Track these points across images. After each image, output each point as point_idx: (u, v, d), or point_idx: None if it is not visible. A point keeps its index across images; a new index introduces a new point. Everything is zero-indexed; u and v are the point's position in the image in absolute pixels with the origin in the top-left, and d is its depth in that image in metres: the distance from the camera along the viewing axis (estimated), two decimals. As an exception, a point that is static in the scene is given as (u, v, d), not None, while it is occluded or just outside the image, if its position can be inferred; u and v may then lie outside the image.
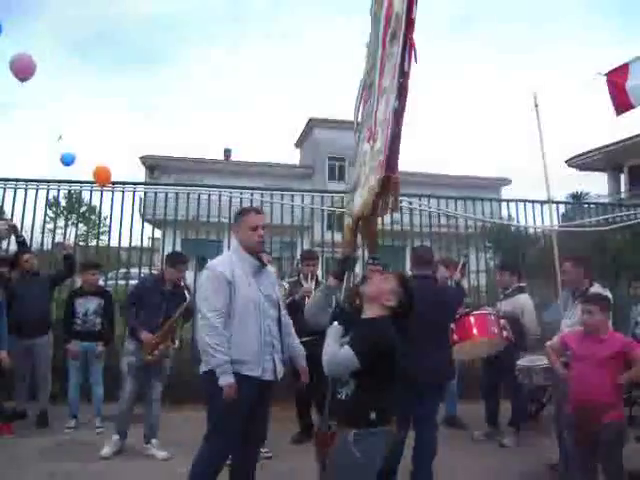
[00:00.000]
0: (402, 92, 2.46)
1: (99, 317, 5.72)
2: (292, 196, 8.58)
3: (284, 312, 3.71)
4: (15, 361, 5.76)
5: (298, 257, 8.85)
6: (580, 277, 4.73)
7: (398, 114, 2.47)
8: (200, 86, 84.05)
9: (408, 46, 2.43)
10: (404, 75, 2.46)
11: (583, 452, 3.67)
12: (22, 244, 6.04)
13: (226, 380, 3.24)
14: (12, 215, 7.45)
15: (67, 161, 6.57)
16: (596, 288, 4.64)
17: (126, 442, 4.99)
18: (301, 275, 5.70)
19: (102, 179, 6.51)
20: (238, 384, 3.26)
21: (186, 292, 5.10)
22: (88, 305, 5.67)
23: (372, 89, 3.06)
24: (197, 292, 3.50)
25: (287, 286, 5.65)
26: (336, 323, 2.76)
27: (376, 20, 3.09)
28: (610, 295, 4.40)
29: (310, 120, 31.87)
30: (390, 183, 2.51)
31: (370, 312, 2.79)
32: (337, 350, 2.63)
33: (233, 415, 3.31)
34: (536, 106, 6.97)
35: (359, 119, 3.43)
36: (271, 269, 3.77)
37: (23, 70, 5.51)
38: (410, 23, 2.43)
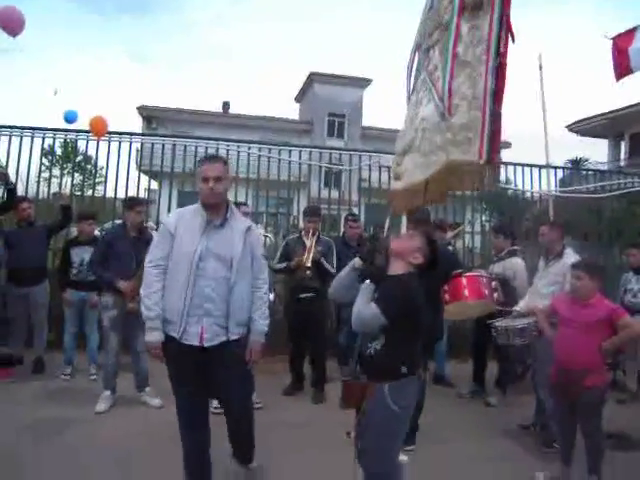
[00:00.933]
0: (500, 73, 2.47)
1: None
2: (290, 151, 8.52)
3: (247, 275, 3.27)
4: (12, 309, 5.86)
5: (294, 213, 8.88)
6: (553, 240, 4.78)
7: (498, 94, 2.48)
8: (200, 35, 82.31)
9: (505, 25, 2.44)
10: (501, 55, 2.47)
11: (563, 412, 3.79)
12: (11, 192, 5.95)
13: (149, 337, 3.14)
14: (7, 163, 7.41)
15: (69, 118, 6.41)
16: (568, 252, 4.70)
17: (118, 394, 5.04)
18: (302, 232, 5.67)
19: (98, 131, 6.43)
20: (165, 343, 3.13)
21: (153, 233, 5.01)
22: (84, 255, 5.68)
23: (432, 53, 3.05)
24: None
25: (284, 243, 5.67)
26: (368, 281, 2.80)
27: None
28: (574, 260, 4.45)
29: (311, 74, 31.27)
30: (491, 165, 2.55)
31: (396, 268, 2.86)
32: (364, 308, 2.69)
33: (170, 373, 3.25)
34: (540, 68, 6.90)
35: (411, 85, 3.40)
36: (241, 224, 3.32)
37: (11, 25, 5.33)
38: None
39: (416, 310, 2.74)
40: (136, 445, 3.71)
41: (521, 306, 4.79)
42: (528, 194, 9.44)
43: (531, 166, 8.34)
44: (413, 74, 3.40)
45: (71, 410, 4.73)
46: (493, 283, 5.13)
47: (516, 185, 8.71)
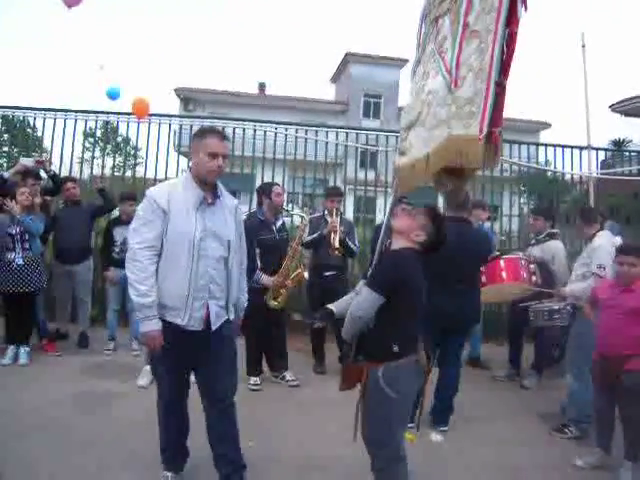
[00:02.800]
0: (509, 43, 2.35)
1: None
2: (326, 132, 8.53)
3: (238, 254, 3.15)
4: (57, 286, 6.08)
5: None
6: (580, 227, 4.69)
7: (505, 66, 2.37)
8: (236, 16, 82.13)
9: None
10: (511, 23, 2.33)
11: (601, 399, 3.75)
12: (53, 177, 6.17)
13: (145, 326, 2.84)
14: (52, 145, 7.63)
15: (113, 95, 6.57)
16: (601, 234, 4.49)
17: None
18: (325, 211, 5.78)
19: (141, 112, 6.55)
20: (165, 331, 2.85)
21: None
22: (126, 234, 5.80)
23: (441, 23, 2.90)
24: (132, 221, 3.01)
25: (307, 220, 5.60)
26: (363, 281, 2.82)
27: None
28: (604, 241, 4.36)
29: (346, 55, 31.03)
30: (493, 139, 2.41)
31: (397, 246, 2.83)
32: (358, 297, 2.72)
33: (163, 362, 2.99)
34: (583, 46, 6.72)
35: (417, 56, 3.24)
36: (230, 202, 3.14)
37: None
38: None
39: (405, 284, 2.66)
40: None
41: (567, 288, 4.67)
42: (568, 176, 9.25)
43: (572, 147, 8.15)
44: (420, 45, 3.23)
45: (114, 384, 4.90)
46: (531, 266, 5.07)
47: (555, 167, 8.53)
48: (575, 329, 4.32)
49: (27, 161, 5.87)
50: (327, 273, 5.68)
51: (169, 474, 3.19)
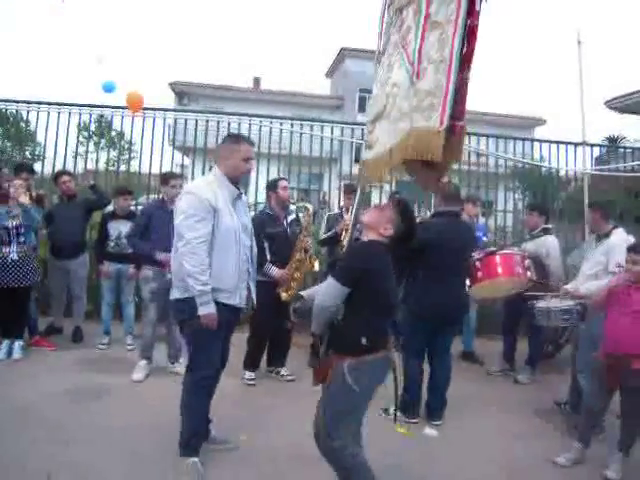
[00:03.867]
0: (471, 34, 2.31)
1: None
2: (322, 127, 8.53)
3: (253, 241, 3.68)
4: (52, 280, 6.07)
5: (324, 189, 8.93)
6: (595, 221, 4.72)
7: (466, 59, 2.33)
8: (233, 10, 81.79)
9: None
10: (472, 14, 2.28)
11: (600, 396, 3.76)
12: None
13: (206, 309, 3.22)
14: (45, 139, 7.59)
15: (108, 88, 6.58)
16: (618, 231, 4.59)
17: (153, 364, 5.19)
18: (343, 209, 5.88)
19: (135, 106, 6.53)
20: (217, 311, 3.26)
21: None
22: (121, 228, 5.83)
23: (405, 14, 2.84)
24: (178, 216, 3.31)
25: (325, 219, 5.82)
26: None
27: None
28: (621, 239, 4.39)
29: (342, 50, 30.95)
30: (456, 132, 2.40)
31: (365, 239, 2.86)
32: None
33: (212, 341, 3.34)
34: (579, 42, 6.74)
35: (381, 45, 3.20)
36: (244, 197, 3.69)
37: None
38: None
39: (368, 274, 2.66)
40: (170, 411, 3.82)
41: (571, 286, 4.67)
42: (562, 172, 9.28)
43: (567, 143, 8.16)
44: (384, 34, 3.18)
45: (109, 378, 4.89)
46: (526, 261, 5.09)
47: (550, 163, 8.55)
48: (589, 330, 4.25)
49: None
50: None
51: (196, 460, 3.31)
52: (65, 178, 6.02)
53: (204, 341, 3.34)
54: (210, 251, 3.25)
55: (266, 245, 4.92)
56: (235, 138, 3.62)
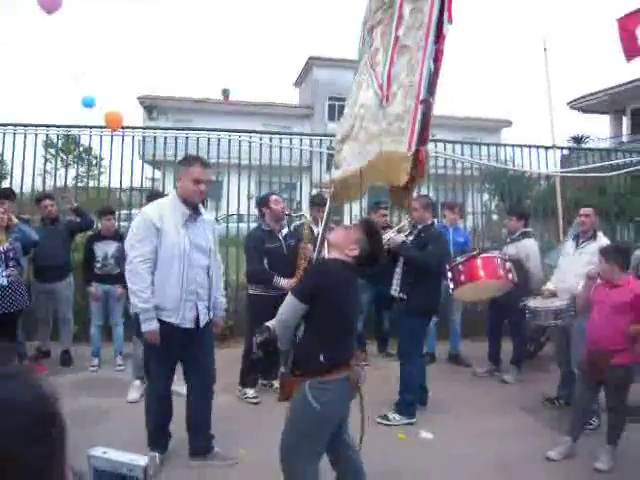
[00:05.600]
0: (438, 57, 2.32)
1: (117, 260, 5.80)
2: (290, 139, 8.62)
3: (216, 262, 3.76)
4: (38, 304, 6.01)
5: (297, 198, 8.99)
6: (594, 224, 4.99)
7: (433, 82, 2.34)
8: (197, 22, 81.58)
9: (446, 7, 2.26)
10: (439, 39, 2.30)
11: (584, 391, 3.96)
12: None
13: (147, 326, 3.39)
14: (12, 159, 7.51)
15: (88, 103, 6.61)
16: (600, 234, 4.90)
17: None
18: (311, 219, 5.73)
19: (114, 124, 6.56)
20: (160, 329, 3.41)
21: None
22: (107, 249, 5.82)
23: (375, 34, 2.86)
24: (127, 236, 3.57)
25: (311, 219, 5.69)
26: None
27: None
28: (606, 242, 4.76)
29: (310, 59, 31.10)
30: (420, 157, 2.39)
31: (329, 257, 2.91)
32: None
33: (157, 356, 3.53)
34: (545, 50, 6.98)
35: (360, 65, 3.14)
36: (207, 217, 3.76)
37: (50, 2, 5.26)
38: None
39: (326, 292, 2.66)
40: (172, 429, 3.87)
41: (551, 285, 4.95)
42: (529, 173, 9.51)
43: (537, 147, 8.38)
44: (358, 51, 3.18)
45: (104, 400, 4.88)
46: (507, 264, 5.26)
47: (523, 164, 8.76)
48: (580, 326, 4.36)
49: None
50: None
51: (156, 454, 3.58)
52: (47, 202, 5.98)
53: (152, 356, 3.57)
54: (154, 270, 3.42)
55: (265, 260, 4.97)
56: (187, 160, 3.71)
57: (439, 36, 2.31)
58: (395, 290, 4.75)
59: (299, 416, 2.71)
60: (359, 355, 2.86)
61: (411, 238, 4.85)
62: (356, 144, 2.90)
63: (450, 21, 2.27)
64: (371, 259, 2.83)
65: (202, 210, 3.69)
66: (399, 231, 5.09)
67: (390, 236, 4.81)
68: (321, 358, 2.64)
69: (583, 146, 19.39)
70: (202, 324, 3.58)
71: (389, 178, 2.53)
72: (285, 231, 5.30)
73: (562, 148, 8.60)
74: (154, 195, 5.39)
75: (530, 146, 8.43)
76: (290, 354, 2.79)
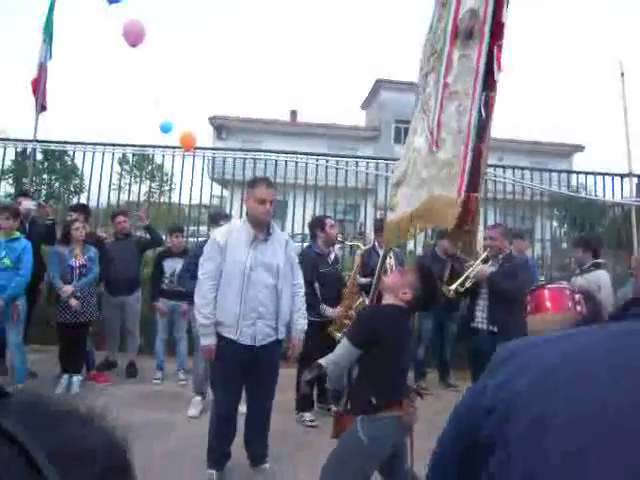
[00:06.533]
0: (488, 106, 2.28)
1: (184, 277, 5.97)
2: (357, 162, 8.66)
3: (291, 282, 3.78)
4: (107, 316, 6.26)
5: (361, 220, 9.03)
6: None
7: (483, 131, 2.31)
8: (269, 43, 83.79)
9: (495, 56, 2.20)
10: (491, 87, 2.26)
11: None
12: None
13: (204, 341, 3.56)
14: (91, 175, 7.99)
15: (165, 129, 7.00)
16: None
17: (208, 398, 5.25)
18: (376, 244, 5.81)
19: (188, 145, 6.84)
20: (219, 344, 3.53)
21: None
22: (175, 266, 5.99)
23: (429, 80, 2.84)
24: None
25: (363, 250, 5.68)
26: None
27: (444, 6, 2.75)
28: None
29: (377, 81, 31.32)
30: (471, 203, 2.33)
31: (384, 301, 2.91)
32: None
33: (221, 373, 3.63)
34: (622, 74, 6.77)
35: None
36: (281, 237, 3.81)
37: (135, 36, 5.67)
38: (498, 28, 2.18)
39: (380, 338, 2.70)
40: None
41: None
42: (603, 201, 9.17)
43: (613, 175, 8.06)
44: (416, 95, 3.14)
45: (165, 414, 5.00)
46: (576, 296, 5.06)
47: (596, 192, 8.46)
48: None
49: (28, 204, 6.13)
50: None
51: (213, 472, 3.65)
52: (121, 218, 6.28)
53: (217, 373, 3.70)
54: (218, 287, 3.55)
55: (316, 285, 4.95)
56: (253, 182, 3.80)
57: (490, 83, 2.27)
58: (480, 322, 4.64)
59: (345, 446, 2.74)
60: (413, 396, 2.83)
61: (492, 269, 4.73)
62: (408, 189, 2.91)
63: (499, 69, 2.23)
64: (423, 303, 2.89)
65: (276, 230, 3.78)
66: (484, 262, 4.98)
67: (477, 268, 4.71)
68: (372, 400, 2.67)
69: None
70: (260, 342, 3.57)
71: (439, 222, 2.53)
72: (333, 256, 5.31)
73: (639, 176, 8.25)
74: (217, 215, 5.53)
75: (604, 174, 8.13)
76: (344, 393, 2.86)
